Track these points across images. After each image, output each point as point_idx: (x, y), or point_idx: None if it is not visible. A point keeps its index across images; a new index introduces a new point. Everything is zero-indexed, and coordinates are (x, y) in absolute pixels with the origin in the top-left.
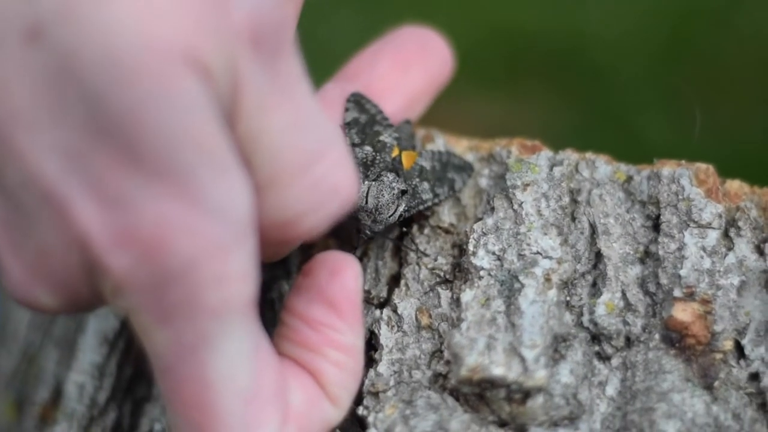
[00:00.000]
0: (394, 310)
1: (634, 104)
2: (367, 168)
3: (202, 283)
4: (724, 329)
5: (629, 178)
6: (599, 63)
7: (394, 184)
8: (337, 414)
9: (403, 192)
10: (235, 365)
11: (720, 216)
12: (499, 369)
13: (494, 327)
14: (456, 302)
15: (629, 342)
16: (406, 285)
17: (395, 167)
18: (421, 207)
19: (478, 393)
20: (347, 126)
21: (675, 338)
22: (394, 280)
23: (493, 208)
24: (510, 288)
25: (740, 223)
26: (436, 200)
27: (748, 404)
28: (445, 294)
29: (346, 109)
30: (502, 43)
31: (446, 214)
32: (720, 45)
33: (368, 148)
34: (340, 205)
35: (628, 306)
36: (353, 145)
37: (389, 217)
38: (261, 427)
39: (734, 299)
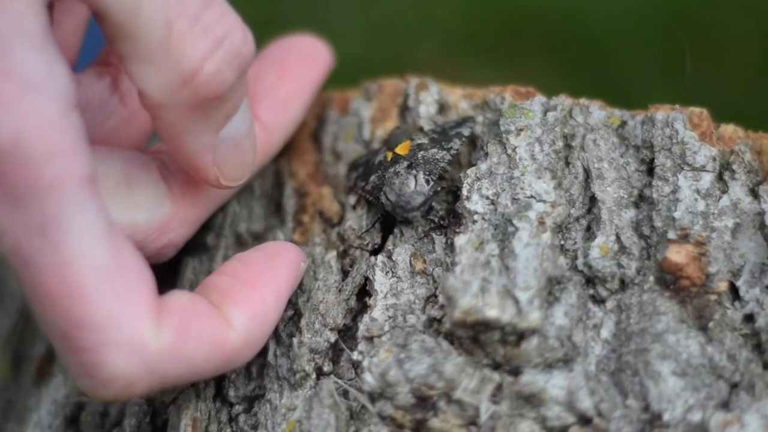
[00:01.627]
0: (389, 256)
1: (635, 79)
2: (380, 188)
3: (32, 158)
4: (719, 271)
5: (623, 123)
6: (599, 38)
7: (397, 168)
8: (235, 338)
9: (410, 165)
10: (89, 242)
11: (714, 159)
12: (492, 311)
13: (488, 270)
14: (450, 247)
15: (624, 284)
16: (401, 231)
17: (394, 161)
18: (441, 165)
19: (472, 336)
20: (354, 186)
21: (669, 280)
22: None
23: (486, 154)
24: (504, 231)
25: (734, 167)
26: (452, 154)
27: (743, 345)
28: (439, 239)
29: (349, 181)
30: (505, 20)
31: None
32: (720, 17)
33: (372, 177)
34: (235, 49)
35: (623, 249)
36: (363, 189)
37: (415, 189)
38: (130, 302)
39: (728, 241)
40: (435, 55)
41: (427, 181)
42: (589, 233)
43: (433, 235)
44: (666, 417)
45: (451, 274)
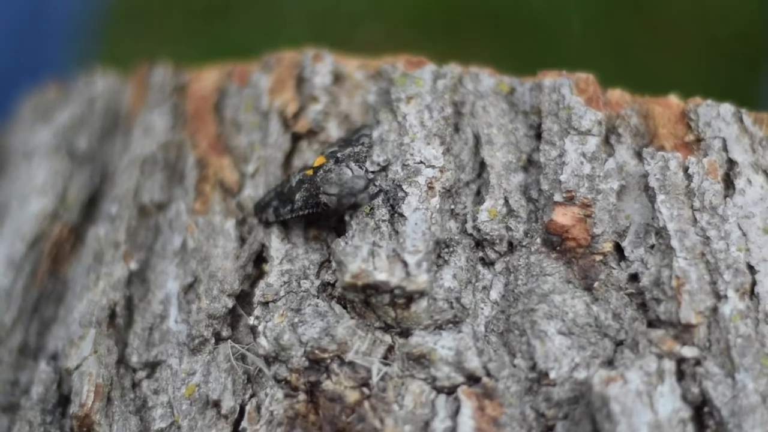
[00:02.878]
0: (284, 223)
1: (576, 59)
2: (314, 196)
3: None
4: (604, 232)
5: (512, 90)
6: (541, 18)
7: (325, 167)
8: None
9: (336, 160)
10: None
11: (600, 123)
12: (382, 275)
13: (378, 235)
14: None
15: (512, 247)
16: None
17: (317, 169)
18: (364, 154)
19: (363, 299)
20: (277, 217)
21: (556, 241)
22: None
23: (378, 121)
24: (394, 197)
25: (620, 130)
26: (365, 145)
27: (629, 304)
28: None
29: (265, 221)
30: (451, 2)
31: (335, 130)
32: None
33: (297, 195)
34: None
35: (511, 212)
36: (292, 211)
37: (354, 174)
38: None
39: (614, 203)
40: (383, 38)
41: (360, 167)
42: (479, 198)
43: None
44: (552, 375)
45: (343, 239)
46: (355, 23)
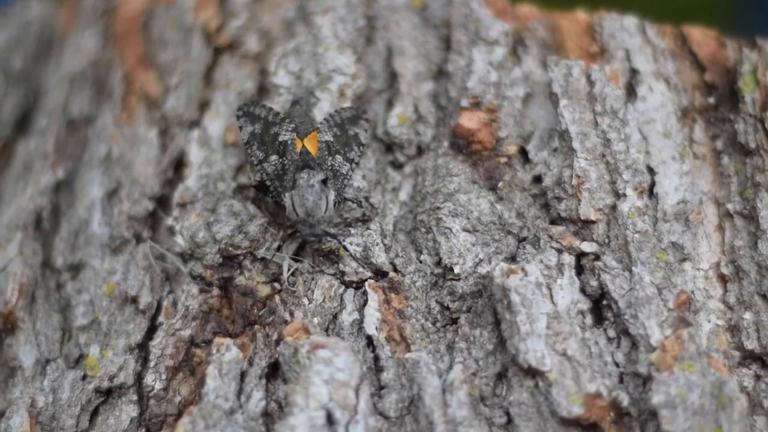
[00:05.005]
0: (204, 130)
1: None
2: (281, 179)
3: None
4: (509, 135)
5: (425, 5)
6: None
7: (311, 181)
8: None
9: (324, 181)
10: None
11: (507, 34)
12: None
13: None
14: None
15: (420, 150)
16: (216, 108)
17: (305, 161)
18: (346, 182)
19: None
20: (247, 145)
21: (462, 145)
22: (206, 104)
23: (294, 34)
24: (307, 103)
25: (528, 42)
26: (354, 165)
27: (532, 204)
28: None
29: (240, 127)
30: None
31: (254, 44)
32: None
33: (274, 157)
34: None
35: (420, 118)
36: (260, 162)
37: (325, 213)
38: None
39: (519, 109)
40: None
41: (336, 204)
42: (390, 106)
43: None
44: (457, 270)
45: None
46: None
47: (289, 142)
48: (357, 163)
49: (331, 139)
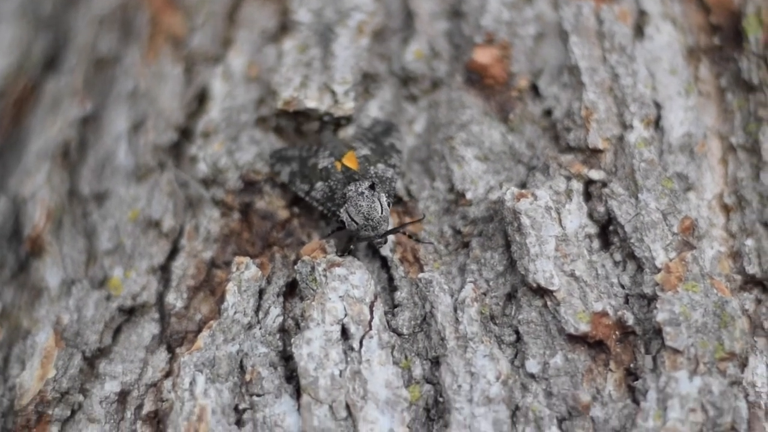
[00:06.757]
0: (228, 66)
1: None
2: (332, 199)
3: None
4: (521, 71)
5: None
6: None
7: (360, 189)
8: None
9: (372, 186)
10: None
11: None
12: (312, 102)
13: (310, 69)
14: (280, 54)
15: (435, 85)
16: (240, 45)
17: (349, 176)
18: (393, 184)
19: (295, 127)
20: (290, 183)
21: (475, 79)
22: (229, 42)
23: None
24: (327, 38)
25: None
26: (398, 170)
27: (542, 135)
28: (272, 50)
29: (278, 172)
30: None
31: None
32: None
33: (319, 184)
34: None
35: (435, 54)
36: (307, 193)
37: (382, 214)
38: None
39: (531, 47)
40: None
41: (389, 204)
42: (406, 43)
43: (268, 46)
44: (469, 196)
45: (276, 73)
46: None
47: (330, 166)
48: (399, 167)
49: (369, 153)
